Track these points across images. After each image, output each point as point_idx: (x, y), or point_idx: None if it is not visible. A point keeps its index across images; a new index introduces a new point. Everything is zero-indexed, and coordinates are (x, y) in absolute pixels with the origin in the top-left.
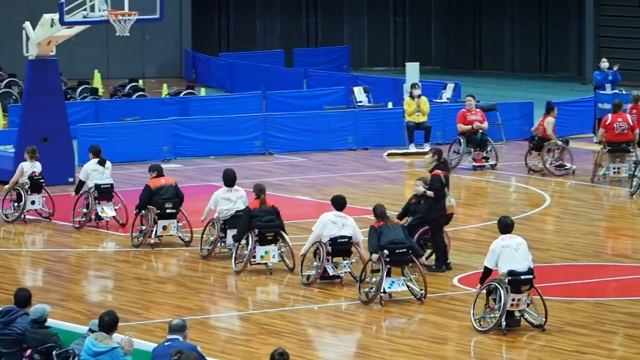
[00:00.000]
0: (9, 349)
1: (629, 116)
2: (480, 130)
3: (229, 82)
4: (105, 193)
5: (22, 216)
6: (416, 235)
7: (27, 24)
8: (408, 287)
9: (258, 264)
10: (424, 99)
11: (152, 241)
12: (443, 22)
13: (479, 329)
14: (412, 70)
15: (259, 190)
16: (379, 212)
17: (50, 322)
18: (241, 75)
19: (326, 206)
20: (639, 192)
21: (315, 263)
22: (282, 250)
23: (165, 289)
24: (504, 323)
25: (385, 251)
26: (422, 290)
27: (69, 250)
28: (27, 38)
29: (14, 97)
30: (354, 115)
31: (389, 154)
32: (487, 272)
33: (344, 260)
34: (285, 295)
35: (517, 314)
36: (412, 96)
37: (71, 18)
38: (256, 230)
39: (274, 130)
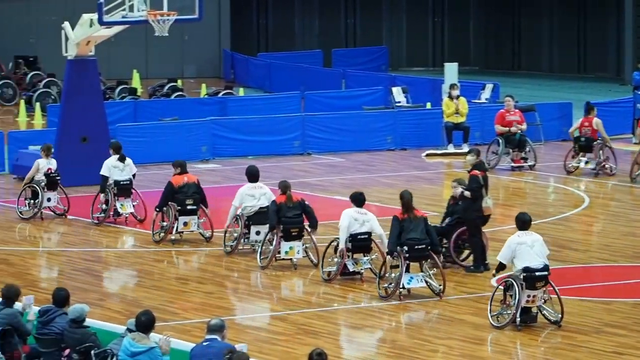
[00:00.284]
0: (48, 349)
1: None
2: (519, 131)
3: (267, 82)
4: (124, 189)
5: (39, 213)
6: (454, 236)
7: (66, 24)
8: (427, 282)
9: (283, 259)
10: (462, 99)
11: (172, 237)
12: (482, 22)
13: (496, 325)
14: (451, 70)
15: (285, 187)
16: (405, 201)
17: (88, 321)
18: (280, 75)
19: (366, 206)
20: None
21: (335, 259)
22: (306, 245)
23: (203, 289)
24: (519, 319)
25: (405, 247)
26: (440, 285)
27: (107, 250)
28: (66, 38)
29: (53, 97)
30: (393, 116)
31: (427, 155)
32: (501, 266)
33: (364, 256)
34: (323, 296)
35: (534, 310)
36: (450, 97)
37: (110, 18)
38: (281, 226)
39: (312, 131)
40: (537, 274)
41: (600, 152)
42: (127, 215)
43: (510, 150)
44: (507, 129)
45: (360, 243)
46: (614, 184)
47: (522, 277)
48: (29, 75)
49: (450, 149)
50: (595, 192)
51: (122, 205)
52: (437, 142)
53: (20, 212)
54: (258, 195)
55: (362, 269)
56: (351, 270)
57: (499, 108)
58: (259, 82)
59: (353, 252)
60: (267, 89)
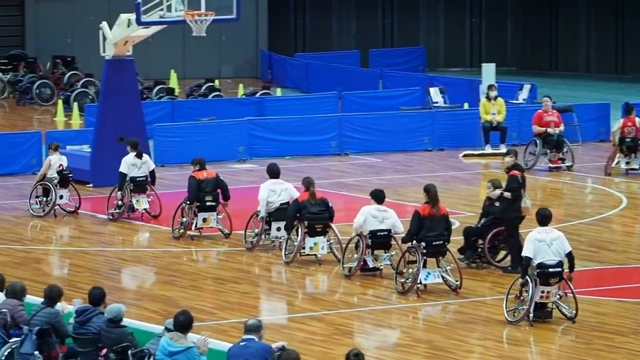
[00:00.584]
0: (85, 348)
1: None
2: (557, 132)
3: (304, 82)
4: (140, 185)
5: (52, 211)
6: (489, 236)
7: (104, 24)
8: (443, 278)
9: (307, 255)
10: (500, 100)
11: (192, 233)
12: (519, 22)
13: (511, 320)
14: (488, 71)
15: (308, 183)
16: (432, 194)
17: (125, 321)
18: (317, 75)
19: (403, 207)
20: None
21: (355, 255)
22: (330, 241)
23: (240, 289)
24: (532, 315)
25: (423, 243)
26: (457, 281)
27: (144, 250)
28: (104, 38)
29: (90, 97)
30: (430, 116)
31: (464, 155)
32: (527, 262)
33: (384, 253)
34: (360, 296)
35: (551, 305)
36: (488, 98)
37: (148, 18)
38: (306, 222)
39: (349, 131)
40: (550, 270)
41: None
42: (143, 211)
43: (548, 151)
44: (544, 129)
45: (380, 240)
46: None
47: (536, 273)
48: (66, 75)
49: (488, 149)
50: (633, 192)
51: (137, 201)
52: (474, 143)
53: (32, 210)
54: (279, 190)
55: (381, 265)
56: (371, 266)
57: (537, 108)
58: (296, 82)
59: (373, 249)
60: (304, 90)
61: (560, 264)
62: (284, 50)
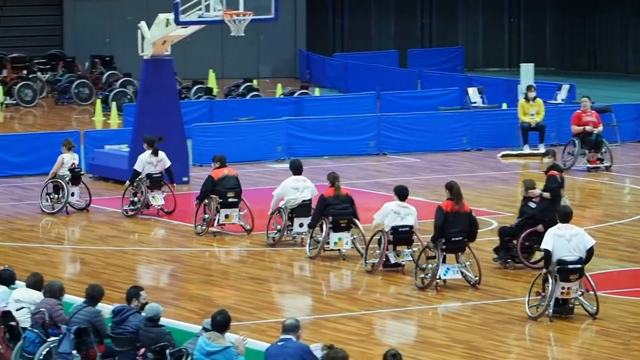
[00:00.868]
0: (123, 348)
1: None
2: (595, 132)
3: (342, 82)
4: (156, 182)
5: (65, 208)
6: (522, 236)
7: (143, 24)
8: (462, 273)
9: (331, 250)
10: (539, 101)
11: (214, 229)
12: (558, 22)
13: (531, 316)
14: (527, 71)
15: (333, 178)
16: (456, 191)
17: (163, 320)
18: (355, 75)
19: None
20: None
21: (377, 251)
22: (354, 237)
23: (278, 289)
24: (551, 310)
25: (442, 239)
26: (476, 277)
27: (181, 250)
28: (142, 38)
29: (128, 97)
30: (468, 116)
31: (503, 155)
32: (548, 255)
33: (407, 248)
34: (397, 296)
35: (574, 302)
36: (527, 98)
37: (186, 18)
38: (330, 218)
39: (387, 131)
40: (570, 266)
41: None
42: (159, 207)
43: (587, 151)
44: (581, 127)
45: (402, 235)
46: None
47: (556, 269)
48: (105, 75)
49: (526, 149)
50: None
51: (153, 197)
52: (512, 143)
53: (43, 207)
54: (302, 188)
55: (403, 261)
56: (393, 262)
57: (575, 109)
58: (334, 82)
59: (395, 245)
60: (342, 89)
61: (580, 260)
62: (323, 50)
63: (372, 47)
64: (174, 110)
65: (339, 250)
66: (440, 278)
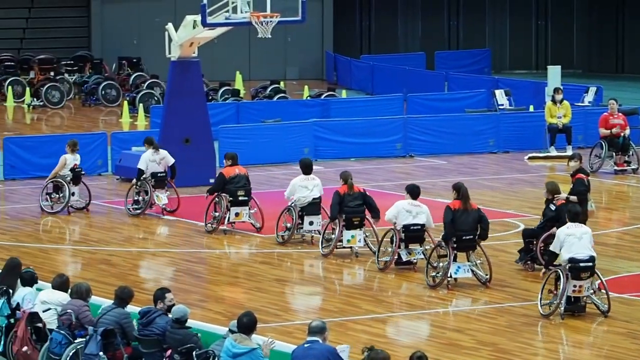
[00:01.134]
0: (149, 349)
1: None
2: (622, 135)
3: (369, 84)
4: (160, 181)
5: (66, 208)
6: (541, 238)
7: (170, 26)
8: (473, 272)
9: (344, 247)
10: (566, 103)
11: (224, 228)
12: (585, 24)
13: (543, 314)
14: (554, 73)
15: (346, 176)
16: (463, 192)
17: (190, 322)
18: (382, 77)
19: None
20: None
21: (389, 249)
22: (366, 234)
23: (304, 291)
24: (562, 308)
25: (453, 238)
26: (487, 275)
27: (208, 251)
28: (170, 39)
29: (156, 98)
30: (495, 118)
31: (530, 157)
32: (553, 255)
33: (419, 247)
34: (423, 298)
35: (585, 300)
36: (554, 101)
37: (213, 20)
38: (343, 215)
39: (414, 133)
40: (581, 264)
41: None
42: (163, 206)
43: (614, 154)
44: (609, 131)
45: (413, 234)
46: None
47: (567, 267)
48: (132, 77)
49: (553, 151)
50: None
51: (157, 196)
52: (539, 145)
53: (43, 206)
54: (311, 186)
55: (415, 259)
56: (404, 260)
57: (602, 111)
58: (361, 84)
59: (407, 243)
60: (369, 91)
61: (591, 258)
62: (350, 52)
63: (399, 49)
64: (201, 112)
65: (351, 247)
66: (451, 276)
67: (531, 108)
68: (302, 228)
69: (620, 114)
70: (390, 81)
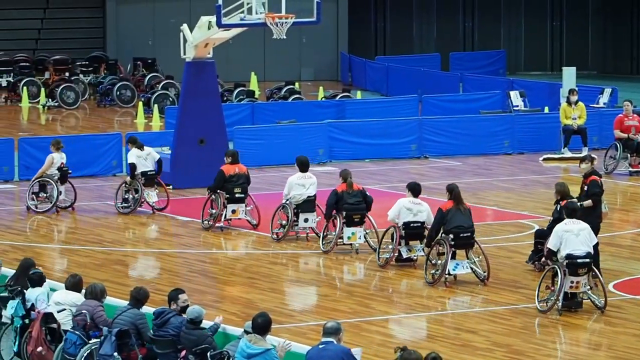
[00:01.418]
0: (164, 350)
1: None
2: (638, 136)
3: (384, 85)
4: (150, 179)
5: (54, 208)
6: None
7: (185, 27)
8: (472, 269)
9: (344, 244)
10: (581, 105)
11: (221, 225)
12: (600, 26)
13: (541, 310)
14: (569, 74)
15: (346, 174)
16: (456, 193)
17: (205, 323)
18: (397, 78)
19: (482, 210)
20: None
21: (390, 246)
22: (367, 231)
23: (319, 292)
24: (560, 304)
25: (450, 235)
26: (485, 272)
27: (223, 252)
28: (185, 40)
29: (170, 99)
30: (510, 120)
31: (544, 159)
32: (550, 252)
33: (419, 244)
34: (437, 299)
35: (582, 296)
36: (569, 102)
37: (228, 20)
38: (343, 213)
39: (429, 134)
40: (579, 261)
41: None
42: (153, 203)
43: (629, 155)
44: (625, 134)
45: (414, 231)
46: None
47: (565, 263)
48: (147, 77)
49: (567, 153)
50: None
51: (147, 194)
52: (554, 147)
53: (30, 206)
54: (308, 184)
55: (415, 256)
56: (405, 257)
57: (617, 113)
58: (376, 85)
59: (407, 240)
60: (384, 92)
61: (588, 254)
62: (365, 53)
63: (414, 50)
64: (216, 112)
65: (351, 244)
66: (449, 273)
67: (546, 109)
68: (297, 225)
69: (635, 115)
70: (405, 82)
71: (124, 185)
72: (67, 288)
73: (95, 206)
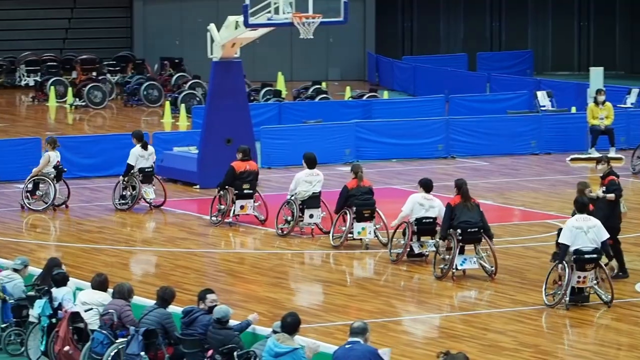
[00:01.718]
0: (191, 349)
1: None
2: None
3: (412, 85)
4: (148, 176)
5: (51, 206)
6: None
7: (212, 26)
8: (479, 264)
9: (354, 239)
10: (608, 105)
11: (230, 220)
12: (627, 26)
13: (548, 304)
14: (596, 75)
15: (356, 170)
16: (464, 190)
17: (231, 323)
18: (424, 78)
19: (509, 210)
20: None
21: (402, 241)
22: (376, 226)
23: (346, 292)
24: (567, 299)
25: (458, 230)
26: (492, 267)
27: (250, 252)
28: (212, 40)
29: (197, 99)
30: (537, 120)
31: (571, 159)
32: (563, 247)
33: (430, 239)
34: (465, 299)
35: (589, 290)
36: (596, 102)
37: (255, 20)
38: (354, 208)
39: (456, 134)
40: (586, 256)
41: None
42: (151, 200)
43: None
44: None
45: (426, 227)
46: None
47: (572, 259)
48: (174, 77)
49: (594, 153)
50: None
51: (145, 191)
52: (581, 147)
53: (25, 204)
54: (314, 182)
55: (426, 251)
56: (417, 252)
57: None
58: (403, 85)
59: (419, 235)
60: (411, 92)
61: (596, 250)
62: (392, 53)
63: (441, 50)
64: (243, 112)
65: (361, 239)
66: (457, 268)
67: (573, 109)
68: (302, 221)
69: None
70: (432, 82)
71: (121, 182)
72: (93, 287)
73: None
